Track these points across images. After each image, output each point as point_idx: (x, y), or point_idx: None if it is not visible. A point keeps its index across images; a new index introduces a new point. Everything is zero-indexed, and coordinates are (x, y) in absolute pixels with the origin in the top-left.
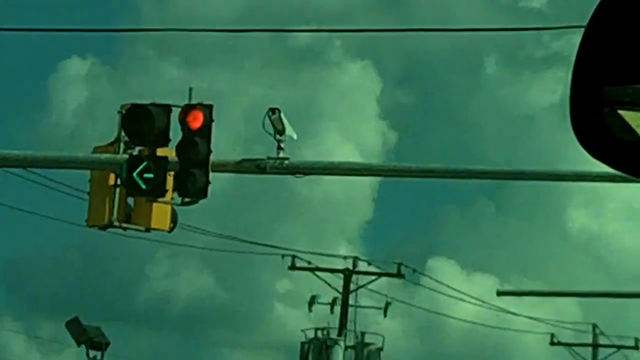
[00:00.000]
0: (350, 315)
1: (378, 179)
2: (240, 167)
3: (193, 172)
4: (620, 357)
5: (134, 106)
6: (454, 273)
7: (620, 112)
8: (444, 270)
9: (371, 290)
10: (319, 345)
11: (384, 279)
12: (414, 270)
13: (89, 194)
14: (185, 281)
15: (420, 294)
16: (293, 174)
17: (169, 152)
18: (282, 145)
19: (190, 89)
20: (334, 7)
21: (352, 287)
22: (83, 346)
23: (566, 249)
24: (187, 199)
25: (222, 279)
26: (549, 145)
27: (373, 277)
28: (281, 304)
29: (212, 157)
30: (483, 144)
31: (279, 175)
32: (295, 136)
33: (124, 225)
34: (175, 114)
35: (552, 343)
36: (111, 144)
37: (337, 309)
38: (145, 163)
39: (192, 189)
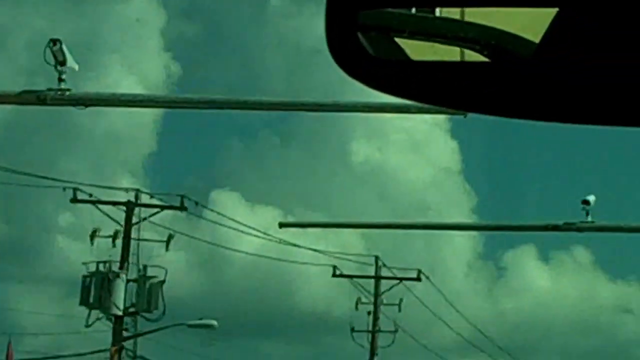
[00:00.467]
0: (132, 249)
1: (162, 111)
2: (21, 98)
3: None
4: (402, 289)
5: None
6: (238, 206)
7: (375, 33)
8: (228, 203)
9: (154, 223)
10: (100, 278)
11: (167, 211)
12: (197, 203)
13: None
14: None
15: (203, 226)
16: (74, 105)
17: None
18: (63, 76)
19: None
20: None
21: (134, 220)
22: None
23: (349, 181)
24: None
25: (3, 212)
26: (333, 77)
27: (155, 210)
28: (63, 237)
29: None
30: (268, 76)
31: (61, 107)
32: (76, 67)
33: None
34: None
35: (334, 275)
36: None
37: (120, 242)
38: None
39: None
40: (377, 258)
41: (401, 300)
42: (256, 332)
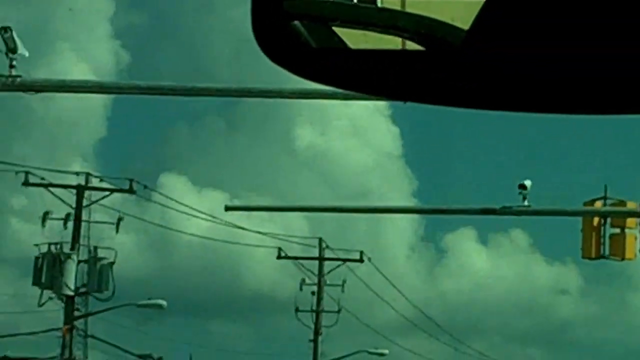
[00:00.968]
0: (83, 231)
1: (111, 97)
2: None
3: None
4: (345, 270)
5: None
6: (185, 189)
7: (300, 22)
8: (175, 186)
9: (104, 206)
10: (52, 259)
11: (116, 195)
12: (145, 187)
13: None
14: None
15: (152, 209)
16: (25, 91)
17: None
18: (14, 63)
19: None
20: None
21: (85, 202)
22: None
23: (294, 166)
24: None
25: None
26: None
27: (105, 193)
28: (16, 219)
29: None
30: (213, 63)
31: (13, 93)
32: (27, 54)
33: None
34: None
35: (279, 257)
36: None
37: (71, 224)
38: None
39: None
40: (320, 240)
41: (344, 281)
42: (204, 311)
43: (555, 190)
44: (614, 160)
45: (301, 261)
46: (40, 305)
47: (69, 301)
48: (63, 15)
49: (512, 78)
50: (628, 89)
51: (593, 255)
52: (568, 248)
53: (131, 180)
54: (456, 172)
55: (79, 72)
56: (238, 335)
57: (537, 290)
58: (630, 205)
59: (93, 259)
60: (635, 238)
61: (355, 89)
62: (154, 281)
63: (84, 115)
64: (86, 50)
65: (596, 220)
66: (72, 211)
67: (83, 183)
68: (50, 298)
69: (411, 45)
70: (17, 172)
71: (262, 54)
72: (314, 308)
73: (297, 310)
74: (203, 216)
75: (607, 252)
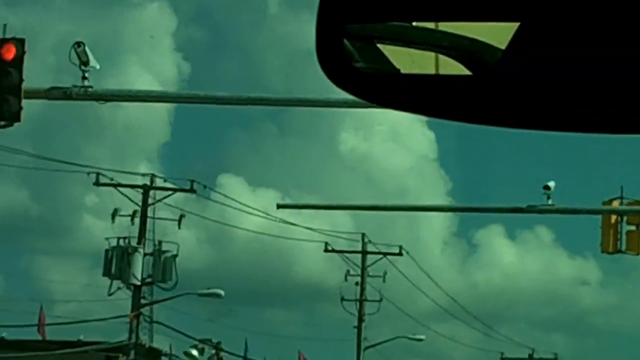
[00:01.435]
0: (149, 227)
1: (173, 105)
2: (50, 94)
3: (7, 99)
4: (386, 263)
5: None
6: (241, 188)
7: (361, 46)
8: (232, 186)
9: (167, 204)
10: (121, 252)
11: (179, 194)
12: (205, 187)
13: None
14: (2, 196)
15: (211, 207)
16: (97, 100)
17: None
18: (86, 75)
19: (5, 25)
20: None
21: (150, 201)
22: None
23: (339, 168)
24: (2, 123)
25: (35, 194)
26: (324, 76)
27: (169, 193)
28: (88, 215)
29: (24, 85)
30: (267, 75)
31: (85, 102)
32: (98, 66)
33: None
34: None
35: (326, 250)
36: None
37: (137, 220)
38: None
39: (7, 113)
40: (363, 235)
41: (385, 273)
42: (258, 300)
43: (577, 190)
44: (629, 164)
45: (346, 255)
46: (110, 294)
47: (136, 290)
48: (131, 31)
49: (550, 97)
50: None
51: (611, 250)
52: (588, 243)
53: (192, 181)
54: (486, 173)
55: (144, 82)
56: (289, 321)
57: (560, 282)
58: None
59: (158, 252)
60: None
61: (404, 109)
62: (213, 272)
63: (149, 121)
64: (151, 62)
65: (614, 218)
66: (139, 209)
67: (149, 183)
68: (119, 288)
69: (450, 66)
70: (89, 173)
71: (314, 67)
72: (358, 297)
73: (342, 299)
74: (257, 213)
75: (624, 247)
